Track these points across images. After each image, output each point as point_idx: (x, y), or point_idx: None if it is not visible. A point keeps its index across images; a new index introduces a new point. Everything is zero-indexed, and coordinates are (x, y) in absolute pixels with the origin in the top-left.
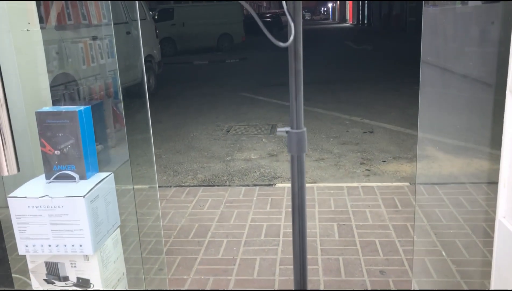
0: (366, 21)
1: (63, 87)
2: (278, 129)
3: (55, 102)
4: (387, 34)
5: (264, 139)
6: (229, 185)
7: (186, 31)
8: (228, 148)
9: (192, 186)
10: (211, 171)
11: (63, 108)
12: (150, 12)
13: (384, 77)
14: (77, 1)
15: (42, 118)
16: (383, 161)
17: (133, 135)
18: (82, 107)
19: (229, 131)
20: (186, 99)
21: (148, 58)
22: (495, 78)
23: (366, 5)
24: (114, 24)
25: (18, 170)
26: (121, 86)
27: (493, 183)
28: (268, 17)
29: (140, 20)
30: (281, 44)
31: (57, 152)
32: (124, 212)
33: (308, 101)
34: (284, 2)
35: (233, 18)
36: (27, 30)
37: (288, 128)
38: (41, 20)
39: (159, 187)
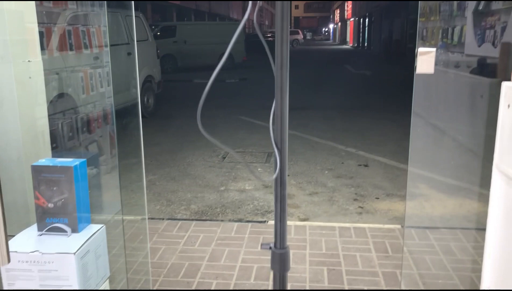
0: (366, 44)
1: (61, 115)
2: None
3: (52, 131)
4: (387, 59)
5: (259, 169)
6: (222, 220)
7: (188, 49)
8: (223, 177)
9: (185, 220)
10: (205, 202)
11: (58, 162)
12: (153, 27)
13: (381, 105)
14: (79, 26)
15: (37, 171)
16: (376, 198)
17: (128, 159)
18: (77, 162)
19: (225, 158)
20: (185, 120)
21: (148, 79)
22: (483, 152)
23: (366, 28)
24: (116, 45)
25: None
26: (120, 106)
27: (483, 229)
28: (269, 36)
29: (141, 40)
30: (266, 179)
31: (50, 205)
32: (115, 246)
33: (305, 128)
34: (272, 134)
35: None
36: (29, 61)
37: (271, 245)
38: (42, 51)
39: (152, 219)
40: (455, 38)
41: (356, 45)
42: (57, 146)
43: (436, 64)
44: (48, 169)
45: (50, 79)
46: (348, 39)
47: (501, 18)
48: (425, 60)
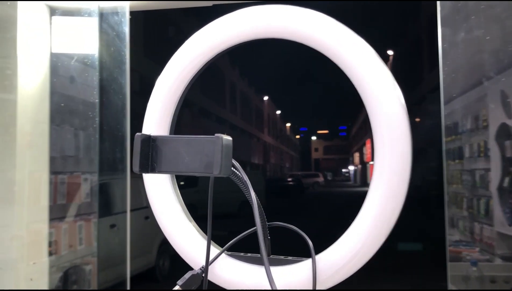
0: None
1: None
2: None
3: None
4: (409, 207)
5: None
6: None
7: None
8: None
9: None
10: None
11: None
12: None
13: (408, 264)
14: (91, 217)
15: None
16: None
17: None
18: None
19: None
20: None
21: (165, 241)
22: None
23: None
24: (134, 210)
25: None
26: (134, 272)
27: None
28: (290, 181)
29: None
30: None
31: None
32: None
33: None
34: None
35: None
36: (33, 263)
37: None
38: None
39: None
40: (482, 211)
41: None
42: None
43: (469, 279)
44: None
45: (54, 279)
46: (368, 181)
47: None
48: None
